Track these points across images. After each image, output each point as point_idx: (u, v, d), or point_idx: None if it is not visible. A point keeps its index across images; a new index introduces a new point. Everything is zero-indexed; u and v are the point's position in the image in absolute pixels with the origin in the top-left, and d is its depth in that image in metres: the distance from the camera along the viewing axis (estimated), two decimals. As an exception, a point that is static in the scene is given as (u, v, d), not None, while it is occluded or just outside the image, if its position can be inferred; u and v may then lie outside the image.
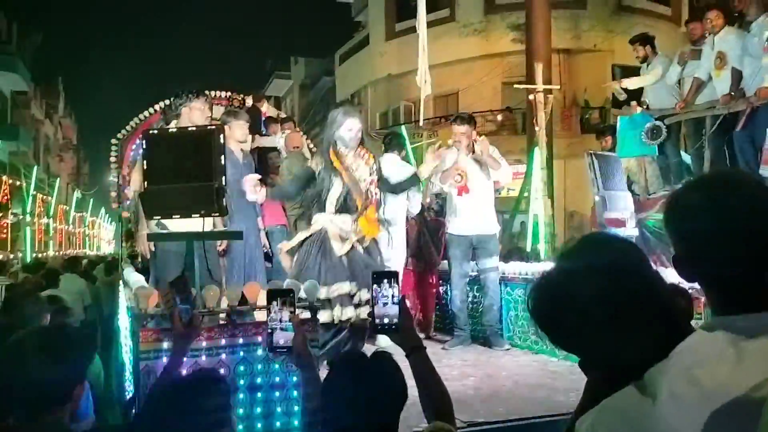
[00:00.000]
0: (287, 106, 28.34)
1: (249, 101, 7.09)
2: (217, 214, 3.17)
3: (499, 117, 16.78)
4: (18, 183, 18.55)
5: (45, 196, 23.14)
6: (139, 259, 5.16)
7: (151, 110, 6.03)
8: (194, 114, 4.45)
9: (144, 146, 3.08)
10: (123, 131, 5.99)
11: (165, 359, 2.71)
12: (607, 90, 7.04)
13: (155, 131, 3.27)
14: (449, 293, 5.28)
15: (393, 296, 1.77)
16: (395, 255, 4.95)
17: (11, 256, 16.05)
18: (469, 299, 5.29)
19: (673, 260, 1.10)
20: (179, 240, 3.83)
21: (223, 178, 3.02)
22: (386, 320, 1.77)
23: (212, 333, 2.84)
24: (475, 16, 17.09)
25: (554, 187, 9.81)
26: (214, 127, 3.15)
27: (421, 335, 5.37)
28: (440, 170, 5.13)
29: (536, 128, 7.29)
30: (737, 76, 5.26)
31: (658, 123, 5.91)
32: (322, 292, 3.86)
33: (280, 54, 30.87)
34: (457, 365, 4.39)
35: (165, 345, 2.73)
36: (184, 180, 3.00)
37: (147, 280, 4.12)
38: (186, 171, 3.00)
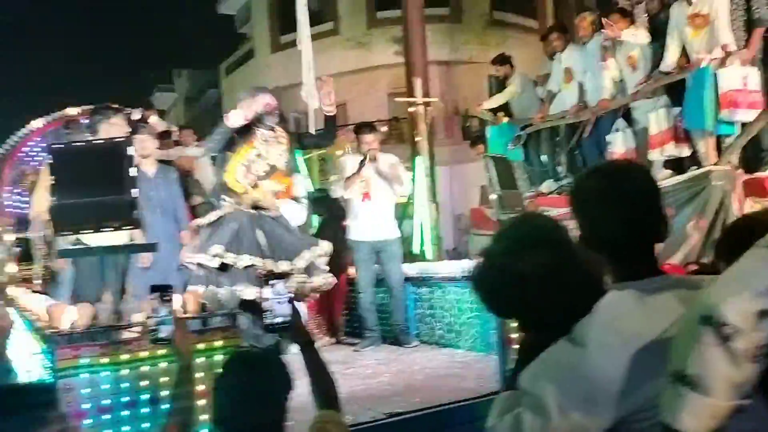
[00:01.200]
0: (172, 119, 27.66)
1: (136, 115, 6.97)
2: (131, 227, 3.13)
3: (385, 127, 17.37)
4: None
5: None
6: (40, 281, 5.03)
7: (30, 128, 5.72)
8: (113, 130, 4.33)
9: (51, 160, 3.02)
10: (0, 150, 5.66)
11: (84, 375, 2.72)
12: (473, 113, 7.73)
13: (62, 145, 3.17)
14: (357, 297, 5.44)
15: (284, 296, 1.90)
16: None
17: None
18: (377, 301, 5.44)
19: (579, 238, 1.32)
20: (93, 255, 3.77)
21: (135, 190, 3.00)
22: (279, 319, 1.89)
23: (132, 346, 2.84)
24: (358, 30, 17.60)
25: (440, 192, 10.41)
26: (122, 138, 3.12)
27: (332, 339, 5.58)
28: (343, 177, 5.30)
29: (417, 138, 7.83)
30: (582, 89, 6.02)
31: (520, 132, 6.60)
32: (229, 258, 4.00)
33: (162, 66, 30.04)
34: (370, 365, 4.54)
35: (82, 361, 2.74)
36: (95, 194, 2.96)
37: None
38: (96, 184, 2.96)
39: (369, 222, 5.27)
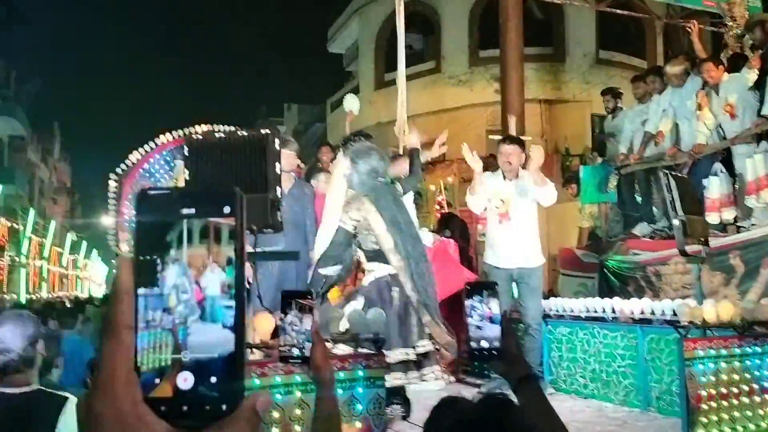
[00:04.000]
0: (280, 151, 28.83)
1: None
2: (271, 230, 2.72)
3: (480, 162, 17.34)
4: (14, 225, 18.95)
5: (40, 239, 23.48)
6: None
7: (152, 144, 5.88)
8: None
9: (187, 153, 2.66)
10: (123, 166, 5.78)
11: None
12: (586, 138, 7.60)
13: (200, 136, 2.76)
14: None
15: (491, 313, 1.37)
16: None
17: (5, 297, 16.34)
18: None
19: None
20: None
21: (278, 188, 2.63)
22: (484, 344, 1.35)
23: (265, 369, 2.35)
24: (460, 68, 17.87)
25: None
26: (268, 131, 2.67)
27: (450, 378, 4.44)
28: (477, 192, 4.72)
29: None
30: (678, 131, 5.87)
31: (615, 173, 6.50)
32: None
33: (274, 100, 31.80)
34: (503, 412, 4.16)
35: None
36: None
37: None
38: (235, 180, 2.50)
39: (508, 246, 4.65)
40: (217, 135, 2.67)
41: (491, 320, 1.36)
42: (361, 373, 2.47)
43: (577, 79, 17.40)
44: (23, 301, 15.54)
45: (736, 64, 5.56)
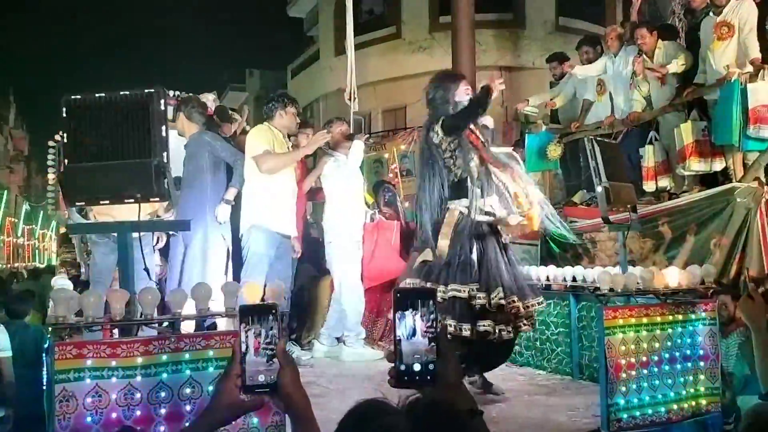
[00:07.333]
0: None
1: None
2: (157, 199, 2.52)
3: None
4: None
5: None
6: (81, 267, 4.77)
7: None
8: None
9: (65, 115, 2.47)
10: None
11: (89, 380, 2.17)
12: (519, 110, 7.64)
13: (79, 97, 2.50)
14: None
15: (427, 327, 1.11)
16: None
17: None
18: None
19: None
20: (107, 231, 3.36)
21: (165, 153, 2.43)
22: (416, 366, 1.11)
23: (150, 347, 2.25)
24: (420, 34, 17.71)
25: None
26: (152, 90, 2.46)
27: (379, 353, 4.52)
28: None
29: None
30: (612, 100, 5.96)
31: (559, 141, 6.56)
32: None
33: (235, 66, 31.21)
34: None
35: (89, 362, 2.17)
36: (115, 156, 2.39)
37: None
38: (118, 145, 2.40)
39: None
40: (96, 95, 2.44)
41: (426, 335, 1.11)
42: (211, 353, 2.32)
43: (536, 45, 17.39)
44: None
45: (665, 33, 5.63)
